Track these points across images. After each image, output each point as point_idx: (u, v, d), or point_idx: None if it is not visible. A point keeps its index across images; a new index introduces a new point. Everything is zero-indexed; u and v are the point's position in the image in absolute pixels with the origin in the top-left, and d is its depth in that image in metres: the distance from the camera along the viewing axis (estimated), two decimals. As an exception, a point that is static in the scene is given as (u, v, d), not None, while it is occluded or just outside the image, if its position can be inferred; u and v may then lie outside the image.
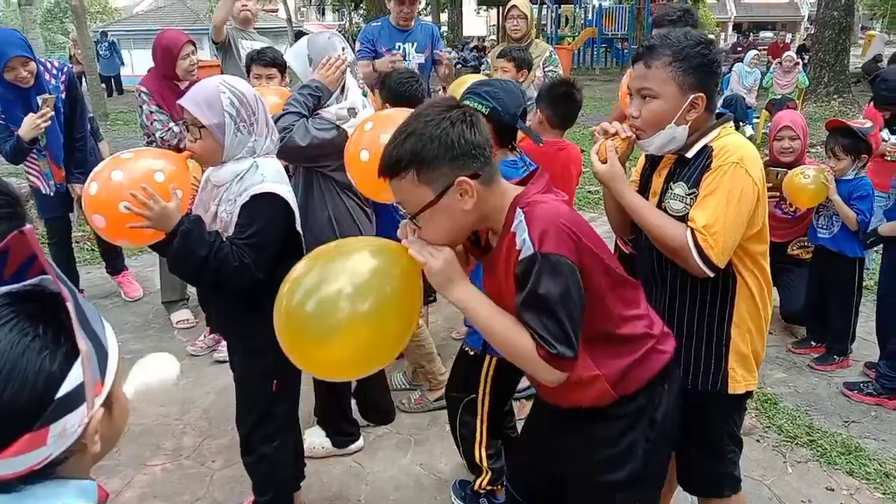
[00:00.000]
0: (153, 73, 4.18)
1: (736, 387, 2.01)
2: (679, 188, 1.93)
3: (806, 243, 4.19)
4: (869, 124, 3.74)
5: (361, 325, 1.55)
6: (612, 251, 4.02)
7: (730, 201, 1.83)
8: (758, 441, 3.30)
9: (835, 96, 13.07)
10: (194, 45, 4.22)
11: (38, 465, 0.87)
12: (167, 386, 1.39)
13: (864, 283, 3.92)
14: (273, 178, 2.25)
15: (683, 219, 1.90)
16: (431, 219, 1.57)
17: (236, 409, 2.60)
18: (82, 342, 0.89)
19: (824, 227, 3.90)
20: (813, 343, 4.15)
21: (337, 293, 1.54)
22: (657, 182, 2.02)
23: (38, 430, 0.85)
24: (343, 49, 2.90)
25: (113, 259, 5.15)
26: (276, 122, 2.59)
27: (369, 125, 2.61)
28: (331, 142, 2.73)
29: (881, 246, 3.68)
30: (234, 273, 2.14)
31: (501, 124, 2.43)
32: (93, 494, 0.96)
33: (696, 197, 1.89)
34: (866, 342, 3.91)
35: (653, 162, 2.07)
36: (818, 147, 7.58)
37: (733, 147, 1.88)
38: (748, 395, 2.12)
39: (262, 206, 2.19)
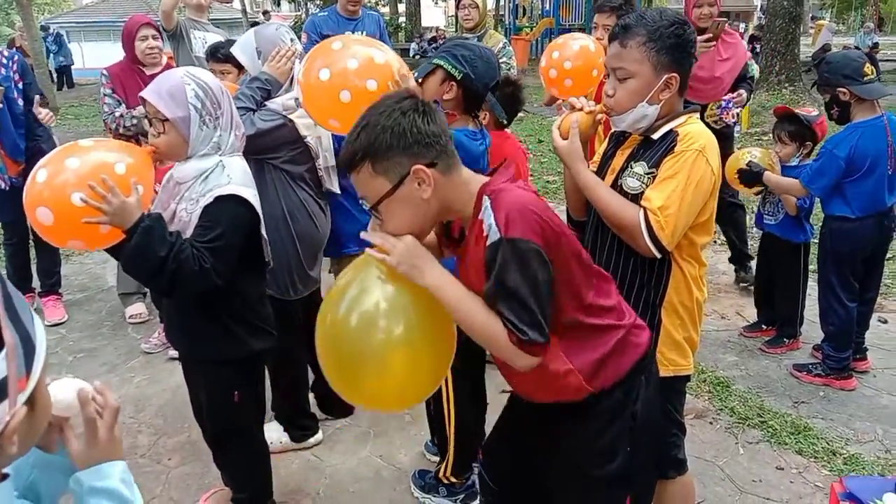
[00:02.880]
0: (123, 59, 4.24)
1: (663, 370, 1.99)
2: (639, 167, 1.95)
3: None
4: (815, 112, 3.83)
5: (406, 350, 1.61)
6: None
7: (687, 186, 1.86)
8: (710, 423, 3.37)
9: (786, 84, 13.30)
10: (156, 29, 4.19)
11: None
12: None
13: (809, 267, 4.02)
14: (240, 179, 2.17)
15: (638, 198, 1.93)
16: (391, 209, 1.58)
17: (195, 412, 2.58)
18: (8, 334, 0.83)
19: (770, 213, 3.99)
20: (763, 327, 4.24)
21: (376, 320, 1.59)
22: (619, 159, 2.04)
23: None
24: (291, 40, 2.87)
25: (49, 276, 4.74)
26: None
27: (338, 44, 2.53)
28: (274, 131, 2.69)
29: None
30: (193, 277, 2.01)
31: (471, 92, 2.39)
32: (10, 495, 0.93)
33: (653, 177, 1.91)
34: (815, 324, 4.00)
35: (618, 141, 2.09)
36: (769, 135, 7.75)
37: (697, 135, 1.91)
38: (685, 379, 2.15)
39: (227, 209, 2.10)
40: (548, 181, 8.05)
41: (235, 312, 2.30)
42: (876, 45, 18.40)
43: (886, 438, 3.23)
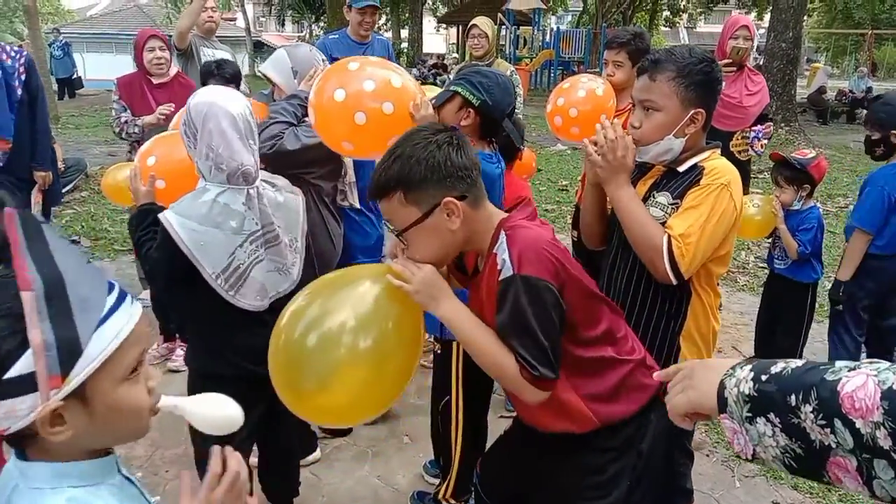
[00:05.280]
0: (135, 70, 4.39)
1: None
2: (663, 197, 2.00)
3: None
4: (811, 154, 3.84)
5: (363, 365, 1.57)
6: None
7: (710, 218, 1.91)
8: (707, 456, 3.38)
9: (782, 125, 13.49)
10: (164, 41, 4.28)
11: None
12: (225, 423, 1.28)
13: (816, 305, 4.02)
14: (188, 210, 2.11)
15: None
16: (417, 237, 1.62)
17: None
18: (36, 334, 0.91)
19: (780, 258, 3.90)
20: (761, 362, 4.22)
21: (339, 329, 1.56)
22: (641, 189, 2.08)
23: None
24: (323, 61, 2.95)
25: None
26: (263, 129, 2.57)
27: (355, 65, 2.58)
28: (316, 148, 2.69)
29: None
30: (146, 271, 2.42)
31: (488, 118, 2.39)
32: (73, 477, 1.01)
33: (677, 208, 1.96)
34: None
35: (640, 171, 2.12)
36: (765, 173, 7.85)
37: (723, 170, 1.97)
38: None
39: (161, 228, 2.13)
40: (546, 209, 8.11)
41: (201, 329, 2.37)
42: (870, 89, 18.62)
43: (881, 477, 3.25)
